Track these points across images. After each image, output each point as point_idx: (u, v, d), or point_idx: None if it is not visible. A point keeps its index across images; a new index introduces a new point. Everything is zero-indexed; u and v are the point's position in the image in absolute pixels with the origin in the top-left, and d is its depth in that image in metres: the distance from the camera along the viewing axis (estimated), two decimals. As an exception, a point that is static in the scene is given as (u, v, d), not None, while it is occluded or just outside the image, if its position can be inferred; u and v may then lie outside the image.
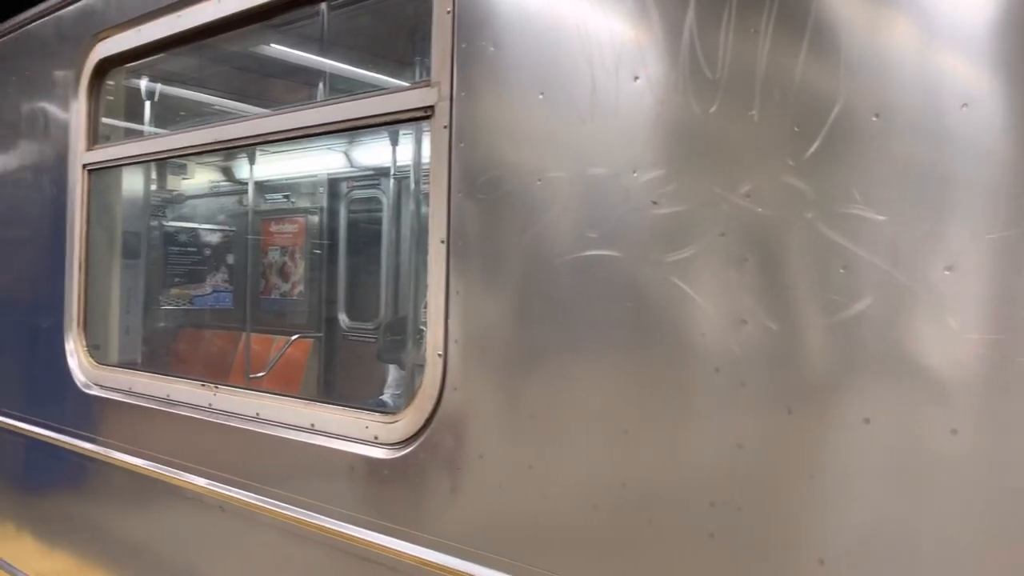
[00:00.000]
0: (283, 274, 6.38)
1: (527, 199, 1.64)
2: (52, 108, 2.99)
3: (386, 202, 5.86)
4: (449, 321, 1.77)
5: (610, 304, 1.51)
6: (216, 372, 5.67)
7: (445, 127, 1.79)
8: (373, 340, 5.83)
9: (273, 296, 6.39)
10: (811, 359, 1.30)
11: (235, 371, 5.77)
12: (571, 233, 1.57)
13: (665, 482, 1.43)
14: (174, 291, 5.94)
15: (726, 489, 1.35)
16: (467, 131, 1.75)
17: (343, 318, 6.23)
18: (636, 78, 1.48)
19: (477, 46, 1.73)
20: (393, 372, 4.93)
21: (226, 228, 6.46)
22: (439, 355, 1.78)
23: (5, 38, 3.35)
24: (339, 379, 6.25)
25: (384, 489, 1.88)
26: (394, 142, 5.09)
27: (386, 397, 4.81)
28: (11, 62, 3.31)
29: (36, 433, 3.00)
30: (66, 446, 2.84)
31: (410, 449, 1.82)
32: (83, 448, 2.77)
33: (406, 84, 2.17)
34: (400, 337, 4.84)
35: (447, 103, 1.79)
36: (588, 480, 1.53)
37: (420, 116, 1.89)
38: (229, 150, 2.59)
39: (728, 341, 1.36)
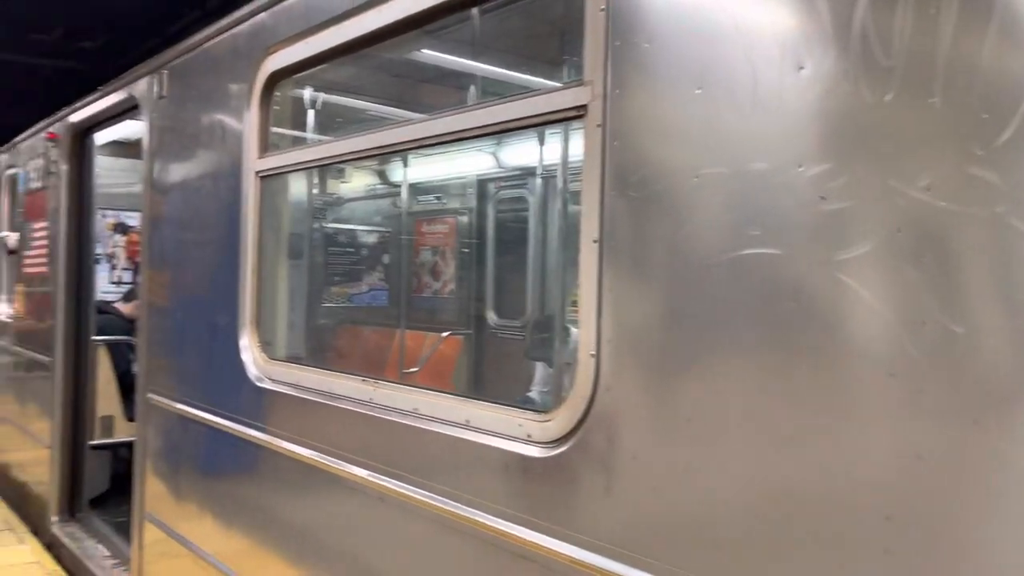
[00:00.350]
0: (434, 273, 6.57)
1: (684, 196, 1.60)
2: (228, 119, 3.21)
3: (533, 202, 5.91)
4: (602, 321, 1.76)
5: (772, 304, 1.45)
6: (372, 367, 5.91)
7: (598, 126, 1.78)
8: (520, 337, 5.90)
9: (425, 294, 6.59)
10: (1000, 365, 1.20)
11: (390, 366, 5.99)
12: (730, 231, 1.52)
13: (834, 493, 1.35)
14: (333, 290, 6.24)
15: (904, 503, 1.26)
16: (621, 129, 1.73)
17: (491, 315, 6.34)
18: (801, 68, 1.41)
19: (631, 43, 1.71)
20: (540, 370, 4.96)
21: (381, 229, 6.72)
22: (591, 355, 1.77)
23: (185, 57, 3.63)
24: (487, 375, 6.37)
25: (536, 487, 1.90)
26: (541, 142, 5.12)
27: (533, 394, 4.85)
28: (191, 79, 3.59)
29: (215, 422, 3.23)
30: (240, 435, 3.05)
31: (563, 448, 1.82)
32: (255, 437, 2.95)
33: (558, 84, 2.17)
34: (547, 335, 4.86)
35: (600, 101, 1.78)
36: (749, 488, 1.48)
37: (573, 116, 1.88)
38: (387, 155, 2.69)
39: (905, 344, 1.27)
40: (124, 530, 4.65)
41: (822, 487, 1.37)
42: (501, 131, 2.15)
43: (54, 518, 5.19)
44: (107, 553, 4.67)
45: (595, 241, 1.77)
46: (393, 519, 2.32)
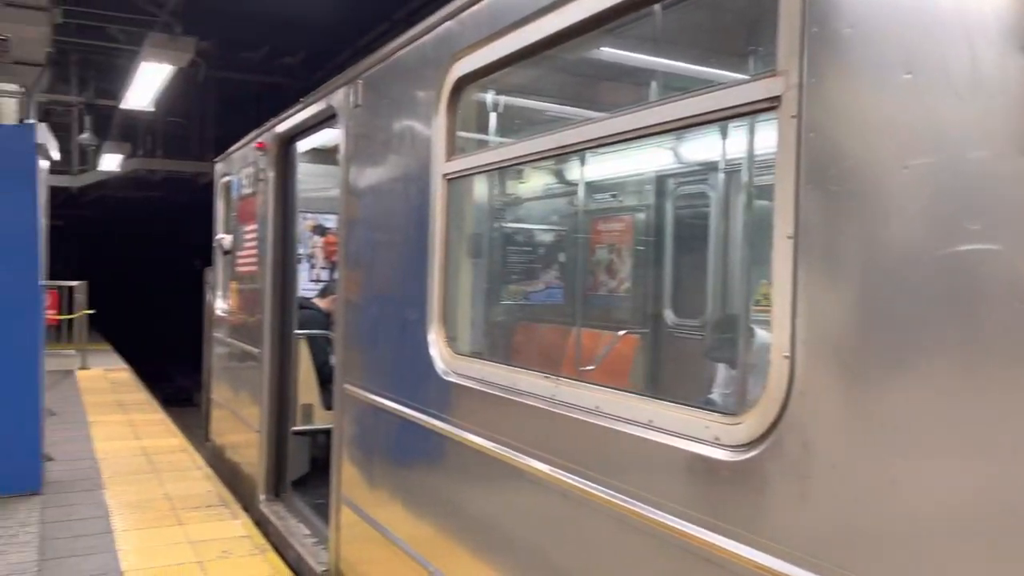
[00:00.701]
0: (610, 271, 6.55)
1: (890, 189, 1.50)
2: (417, 125, 3.36)
3: (714, 197, 5.75)
4: (796, 321, 1.68)
5: (994, 305, 1.33)
6: (549, 364, 5.98)
7: (793, 117, 1.70)
8: (700, 337, 5.76)
9: (600, 292, 6.59)
10: None
11: (566, 364, 6.04)
12: (944, 225, 1.41)
13: (1070, 514, 1.22)
14: (511, 288, 6.37)
15: None
16: (818, 119, 1.65)
17: (669, 314, 6.24)
18: (1030, 45, 1.29)
19: (830, 29, 1.62)
20: (722, 371, 4.82)
21: (557, 228, 6.78)
22: (785, 356, 1.70)
23: (378, 67, 3.84)
24: (665, 375, 6.27)
25: (723, 490, 1.85)
26: (723, 135, 4.97)
27: (715, 396, 4.71)
28: (383, 87, 3.78)
29: (403, 412, 3.39)
30: (427, 425, 3.18)
31: (753, 453, 1.76)
32: (441, 428, 3.07)
33: (743, 77, 2.10)
34: (729, 335, 4.71)
35: (795, 91, 1.70)
36: (959, 503, 1.36)
37: (764, 107, 1.82)
38: (569, 154, 2.71)
39: None
40: (322, 511, 4.99)
41: (1054, 507, 1.24)
42: (687, 126, 2.11)
43: (262, 497, 5.66)
44: (307, 532, 5.03)
45: (789, 237, 1.69)
46: (575, 515, 2.34)
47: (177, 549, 4.99)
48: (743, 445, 1.80)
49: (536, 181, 6.58)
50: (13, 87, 13.50)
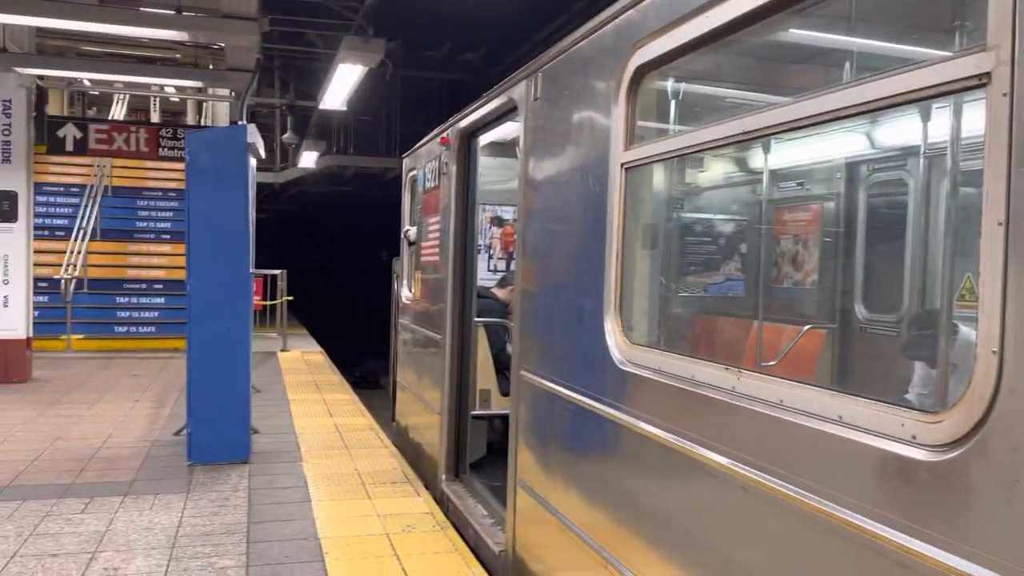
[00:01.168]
0: (795, 263, 6.28)
1: (1122, 169, 1.35)
2: (596, 115, 3.38)
3: (913, 184, 5.37)
4: (1007, 314, 1.56)
5: None
6: (728, 358, 5.83)
7: (1004, 95, 1.58)
8: (894, 334, 5.41)
9: (784, 285, 6.33)
10: None
11: (746, 358, 5.86)
12: None
13: None
14: (690, 279, 6.26)
15: None
16: (1036, 95, 1.51)
17: (859, 309, 5.90)
18: None
19: (1052, -6, 1.48)
20: (919, 370, 4.50)
21: (738, 218, 6.59)
22: (993, 352, 1.58)
23: (557, 59, 3.89)
24: (854, 373, 5.94)
25: (919, 491, 1.74)
26: (925, 117, 4.63)
27: (911, 396, 4.41)
28: (562, 79, 3.83)
29: (578, 399, 3.44)
30: (602, 413, 3.21)
31: (955, 453, 1.65)
32: (616, 416, 3.09)
33: (949, 53, 1.96)
34: (929, 332, 4.39)
35: (1007, 67, 1.57)
36: None
37: (973, 85, 1.69)
38: (752, 140, 2.63)
39: None
40: (498, 493, 5.15)
41: None
42: (886, 107, 1.99)
43: (443, 476, 5.92)
44: (484, 512, 5.22)
45: (1000, 224, 1.57)
46: (755, 510, 2.28)
47: (366, 521, 5.33)
48: (944, 445, 1.69)
49: (717, 169, 6.43)
50: (226, 92, 14.84)
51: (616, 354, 3.11)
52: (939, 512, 1.69)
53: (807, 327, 5.96)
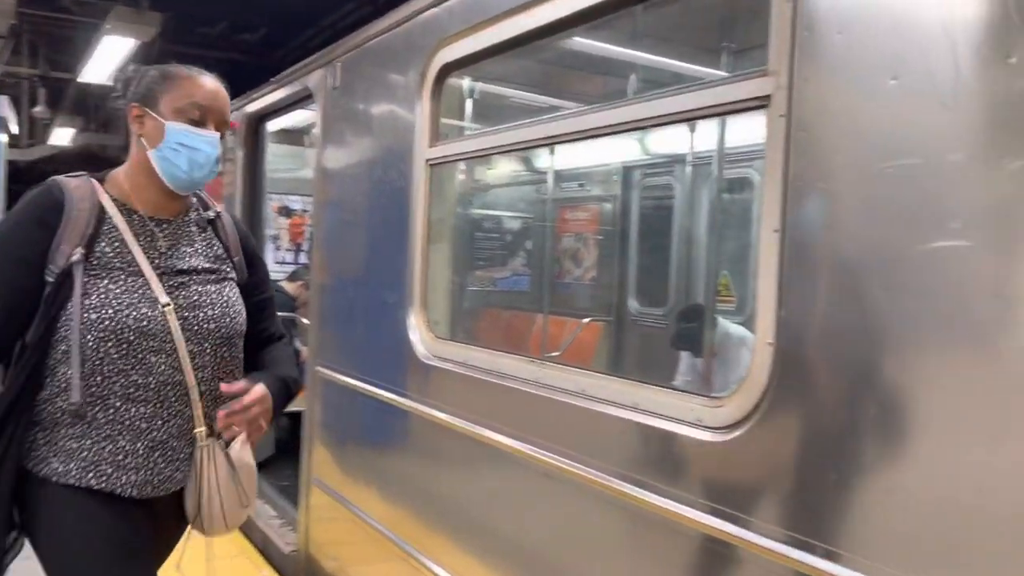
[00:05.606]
0: (576, 259, 6.66)
1: (873, 187, 1.60)
2: (399, 110, 3.38)
3: (680, 189, 5.88)
4: (781, 310, 1.77)
5: (965, 296, 1.44)
6: (518, 349, 6.07)
7: (782, 116, 1.79)
8: (663, 326, 5.90)
9: (566, 280, 6.70)
10: None
11: (533, 349, 6.13)
12: (921, 224, 1.51)
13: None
14: (490, 274, 6.44)
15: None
16: (806, 119, 1.74)
17: (632, 303, 6.38)
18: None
19: (820, 33, 1.71)
20: (685, 359, 4.95)
21: (525, 216, 6.86)
22: (769, 344, 1.80)
23: (358, 50, 3.84)
24: (627, 364, 6.41)
25: (704, 469, 1.95)
26: (691, 129, 5.07)
27: (677, 383, 4.84)
28: (364, 71, 3.79)
29: (381, 395, 3.43)
30: (405, 407, 3.23)
31: (735, 434, 1.85)
32: (422, 411, 3.12)
33: (736, 75, 2.19)
34: (693, 324, 4.84)
35: (785, 92, 1.79)
36: (941, 482, 1.47)
37: (754, 107, 1.90)
38: (555, 144, 2.77)
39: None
40: (288, 493, 5.00)
41: None
42: (676, 122, 2.19)
43: (225, 478, 5.63)
44: (273, 513, 5.04)
45: (776, 231, 1.78)
46: (555, 493, 2.42)
47: (140, 529, 4.95)
48: (726, 427, 1.89)
49: (509, 168, 6.64)
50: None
51: (420, 348, 3.14)
52: (721, 487, 1.89)
53: (587, 320, 6.34)
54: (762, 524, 1.78)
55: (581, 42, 4.00)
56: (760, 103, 1.87)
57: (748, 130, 4.03)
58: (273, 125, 5.67)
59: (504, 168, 6.70)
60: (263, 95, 5.16)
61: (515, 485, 2.62)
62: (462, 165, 4.47)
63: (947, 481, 1.46)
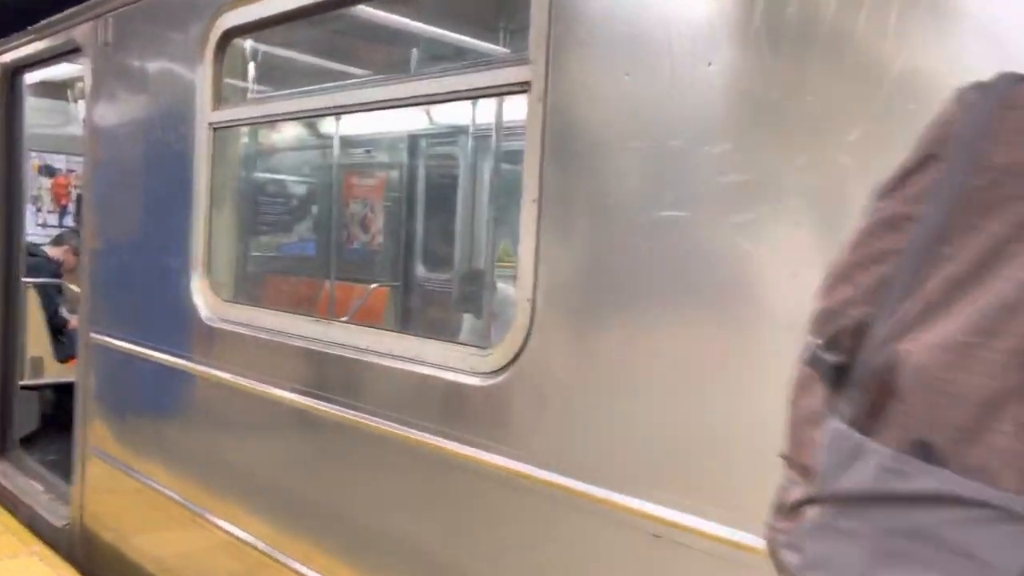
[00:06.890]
0: (364, 225, 6.75)
1: (614, 165, 1.90)
2: (179, 71, 3.33)
3: (463, 160, 6.15)
4: (538, 270, 2.05)
5: (685, 259, 1.78)
6: (309, 313, 6.09)
7: (540, 100, 2.05)
8: (448, 290, 6.18)
9: (354, 247, 6.79)
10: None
11: (321, 313, 6.18)
12: (650, 196, 1.83)
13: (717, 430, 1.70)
14: (265, 239, 6.37)
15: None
16: (560, 103, 2.01)
17: (419, 268, 6.60)
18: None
19: (571, 31, 1.98)
20: (468, 321, 5.26)
21: (315, 181, 6.84)
22: (528, 300, 2.07)
23: (133, 5, 3.70)
24: (415, 327, 6.64)
25: (475, 411, 2.21)
26: (473, 104, 5.32)
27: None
28: (140, 27, 3.67)
29: (162, 359, 3.41)
30: (192, 371, 3.24)
31: (500, 379, 2.12)
32: (207, 373, 3.16)
33: (501, 61, 2.44)
34: (475, 287, 5.15)
35: (542, 78, 2.05)
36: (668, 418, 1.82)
37: (517, 91, 2.15)
38: (341, 114, 2.90)
39: (786, 294, 1.61)
40: (58, 467, 4.77)
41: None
42: (449, 100, 2.40)
43: (-16, 456, 5.24)
44: (41, 488, 4.79)
45: (534, 201, 2.06)
46: (344, 442, 2.59)
47: None
48: (492, 372, 2.16)
49: (296, 132, 6.58)
50: None
51: (205, 312, 3.16)
52: (489, 425, 2.16)
53: (374, 285, 6.49)
54: (523, 453, 2.07)
55: (368, 11, 4.11)
56: (522, 88, 2.12)
57: (523, 107, 4.34)
58: (31, 77, 5.26)
59: (290, 132, 6.64)
60: (20, 45, 4.78)
61: (306, 440, 2.77)
62: (247, 129, 4.44)
63: (664, 408, 1.81)
